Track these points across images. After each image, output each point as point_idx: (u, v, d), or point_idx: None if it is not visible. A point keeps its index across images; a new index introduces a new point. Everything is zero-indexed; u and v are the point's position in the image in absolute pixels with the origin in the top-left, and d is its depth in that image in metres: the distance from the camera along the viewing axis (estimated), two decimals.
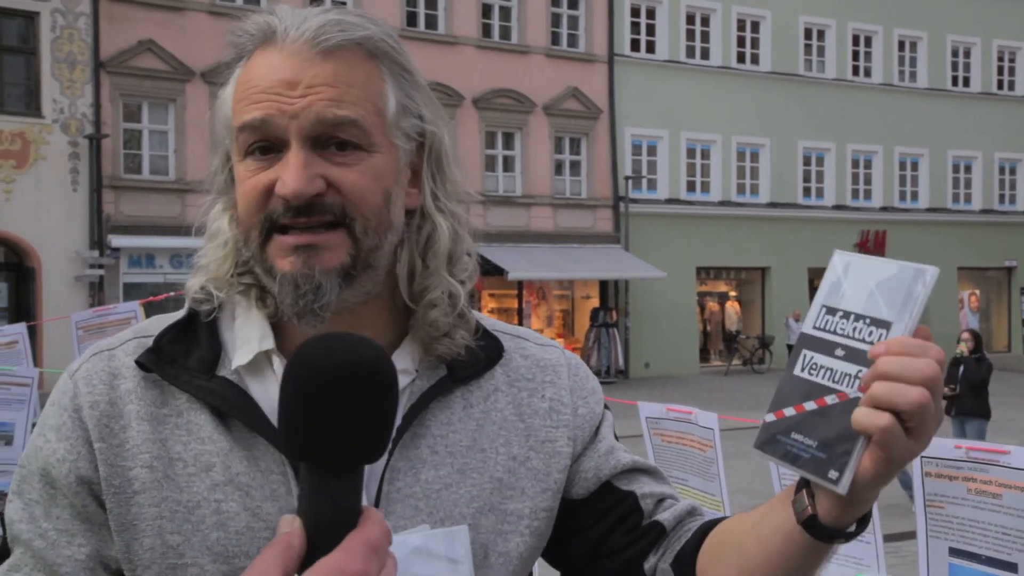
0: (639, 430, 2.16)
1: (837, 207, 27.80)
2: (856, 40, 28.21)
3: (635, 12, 25.26)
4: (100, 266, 19.07)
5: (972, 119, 29.25)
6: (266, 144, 1.05)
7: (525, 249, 22.61)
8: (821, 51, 27.73)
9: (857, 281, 1.00)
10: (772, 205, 26.77)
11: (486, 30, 23.52)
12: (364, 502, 0.82)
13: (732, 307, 27.89)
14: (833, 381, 0.97)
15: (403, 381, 1.12)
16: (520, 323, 23.18)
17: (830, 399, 0.97)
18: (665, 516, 1.18)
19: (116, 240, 19.12)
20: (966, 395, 10.46)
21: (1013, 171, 30.42)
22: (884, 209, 28.47)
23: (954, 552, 1.44)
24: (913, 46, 29.04)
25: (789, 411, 0.99)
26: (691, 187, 25.94)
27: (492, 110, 23.24)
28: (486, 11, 23.57)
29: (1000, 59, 30.18)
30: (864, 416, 0.90)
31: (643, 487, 1.21)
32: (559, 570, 1.24)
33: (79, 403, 1.08)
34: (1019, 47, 30.21)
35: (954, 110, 29.16)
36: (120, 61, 19.46)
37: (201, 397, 1.08)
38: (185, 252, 19.70)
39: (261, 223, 1.06)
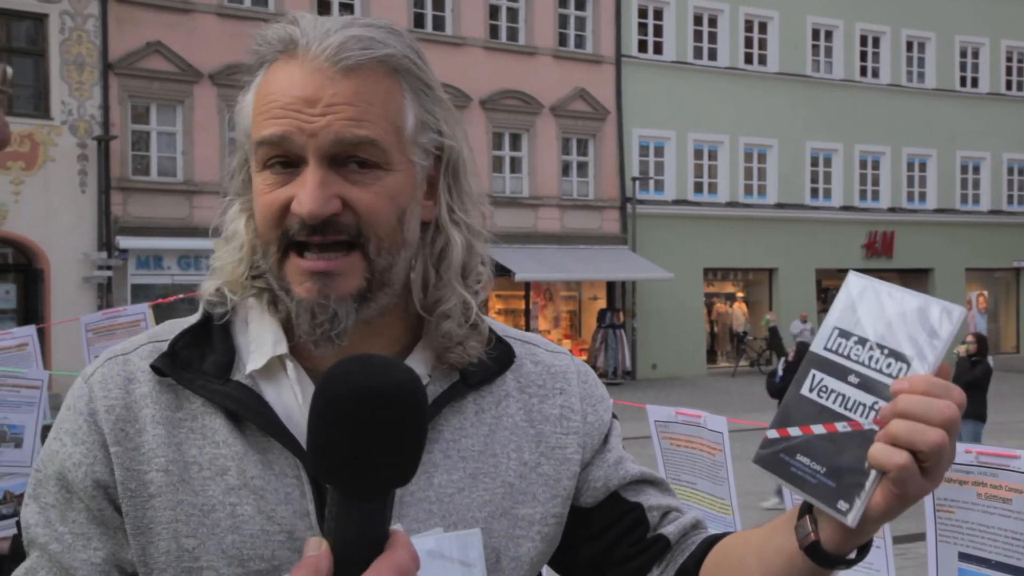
0: (646, 432, 2.16)
1: (845, 208, 27.74)
2: (864, 41, 28.15)
3: (642, 13, 25.25)
4: (108, 268, 19.12)
5: (980, 120, 29.17)
6: (284, 159, 1.05)
7: (532, 250, 22.60)
8: (829, 52, 27.68)
9: (875, 308, 0.98)
10: (779, 206, 26.72)
11: (493, 31, 23.52)
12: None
13: (739, 308, 27.85)
14: (845, 408, 0.96)
15: None
16: (527, 324, 23.19)
17: (841, 427, 0.95)
18: (670, 529, 1.20)
19: (124, 242, 19.17)
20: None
21: (1022, 172, 30.32)
22: (892, 210, 28.40)
23: (964, 557, 1.44)
24: (921, 47, 28.96)
25: (795, 431, 0.98)
26: (698, 188, 25.91)
27: (499, 111, 23.24)
28: (493, 12, 23.57)
29: (1009, 60, 30.08)
30: (882, 453, 0.90)
31: (650, 499, 1.22)
32: None
33: (95, 407, 1.09)
34: None
35: (962, 111, 29.07)
36: (128, 63, 19.51)
37: (216, 401, 1.08)
38: (193, 254, 19.76)
39: (278, 239, 1.06)
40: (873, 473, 0.92)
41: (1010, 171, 30.13)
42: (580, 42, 24.63)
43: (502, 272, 21.04)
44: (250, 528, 1.05)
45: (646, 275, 24.03)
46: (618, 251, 24.49)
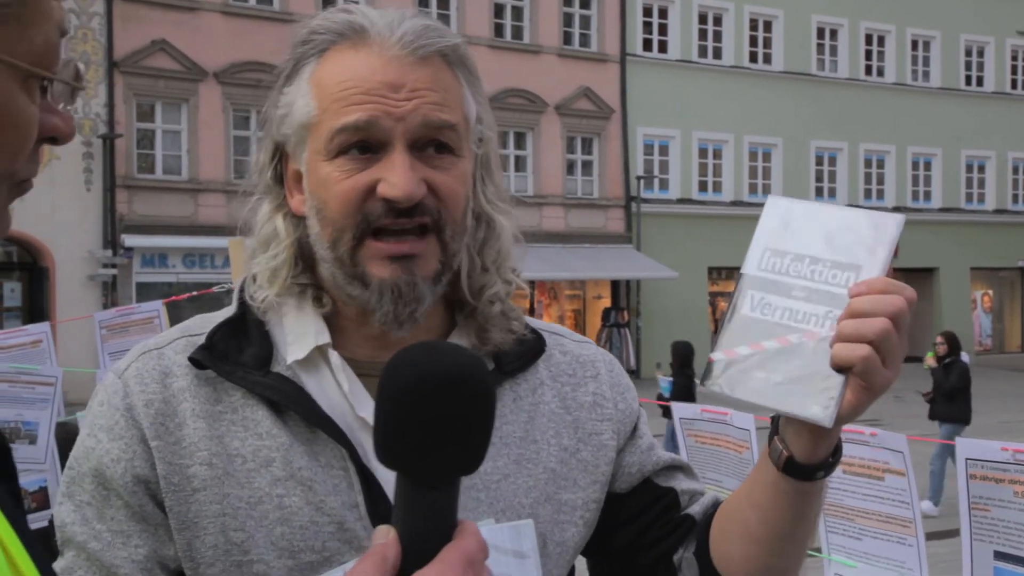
0: (658, 430, 2.15)
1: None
2: (869, 39, 28.10)
3: (647, 12, 25.22)
4: (113, 265, 19.13)
5: (985, 119, 29.11)
6: (364, 145, 1.05)
7: (536, 249, 22.58)
8: (833, 50, 27.63)
9: (809, 225, 1.02)
10: None
11: (498, 30, 23.50)
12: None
13: None
14: (795, 321, 0.99)
15: None
16: None
17: (795, 338, 0.98)
18: (695, 509, 1.23)
19: (129, 240, 19.17)
20: (939, 401, 10.35)
21: None
22: (897, 209, 28.29)
23: (999, 556, 1.43)
24: (926, 45, 28.91)
25: (743, 349, 1.00)
26: (703, 187, 25.88)
27: (504, 110, 23.21)
28: (498, 11, 23.56)
29: (1014, 58, 30.02)
30: (844, 349, 0.95)
31: (681, 483, 1.25)
32: (594, 561, 1.27)
33: (131, 402, 1.08)
34: None
35: (967, 110, 29.02)
36: (134, 61, 19.51)
37: (258, 392, 1.07)
38: (198, 252, 19.76)
39: (356, 225, 1.06)
40: (844, 375, 0.96)
41: (1015, 170, 30.07)
42: (585, 41, 24.60)
43: None
44: (299, 520, 1.04)
45: (650, 274, 24.01)
46: (622, 250, 24.47)
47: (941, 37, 28.85)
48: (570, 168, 24.47)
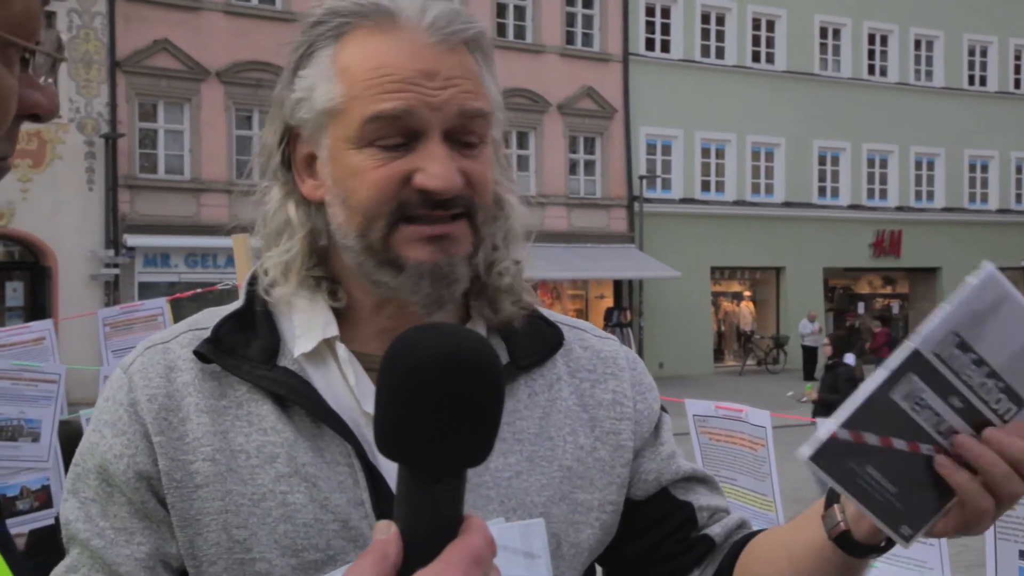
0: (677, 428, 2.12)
1: (852, 207, 27.68)
2: (872, 39, 28.08)
3: (650, 11, 25.20)
4: (115, 265, 19.13)
5: (988, 118, 29.08)
6: (399, 135, 1.03)
7: (539, 249, 22.16)
8: (837, 50, 27.62)
9: (1005, 328, 0.85)
10: (787, 205, 26.67)
11: (501, 29, 23.49)
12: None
13: (746, 307, 27.81)
14: (937, 431, 0.86)
15: None
16: None
17: (926, 449, 0.86)
18: (716, 530, 1.18)
19: (131, 239, 19.17)
20: (821, 401, 10.35)
21: None
22: (900, 209, 28.34)
23: None
24: (929, 45, 28.89)
25: (871, 439, 0.85)
26: (706, 187, 25.87)
27: (506, 109, 22.78)
28: (501, 10, 23.54)
29: (1017, 58, 30.00)
30: (976, 495, 0.88)
31: (700, 498, 1.20)
32: (607, 569, 1.23)
33: (135, 397, 1.05)
34: None
35: (970, 109, 29.00)
36: (136, 61, 19.51)
37: (263, 386, 1.05)
38: (200, 252, 19.75)
39: (392, 213, 1.03)
40: (948, 507, 0.87)
41: (1018, 170, 30.04)
42: (587, 40, 24.59)
43: None
44: (303, 517, 1.01)
45: (653, 274, 24.00)
46: (625, 250, 24.45)
47: (944, 37, 28.83)
48: (573, 168, 24.46)
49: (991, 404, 0.86)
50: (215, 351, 1.07)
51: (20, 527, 3.23)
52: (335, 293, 1.10)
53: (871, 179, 28.14)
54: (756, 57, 26.48)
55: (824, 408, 10.09)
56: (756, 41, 26.49)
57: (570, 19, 24.41)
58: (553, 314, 1.24)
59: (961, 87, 29.14)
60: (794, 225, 26.53)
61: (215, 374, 1.07)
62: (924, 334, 0.85)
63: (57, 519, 1.15)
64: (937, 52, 28.92)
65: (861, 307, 28.97)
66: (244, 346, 1.08)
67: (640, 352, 23.98)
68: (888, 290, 30.05)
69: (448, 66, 1.03)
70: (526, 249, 1.19)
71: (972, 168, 29.47)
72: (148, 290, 18.84)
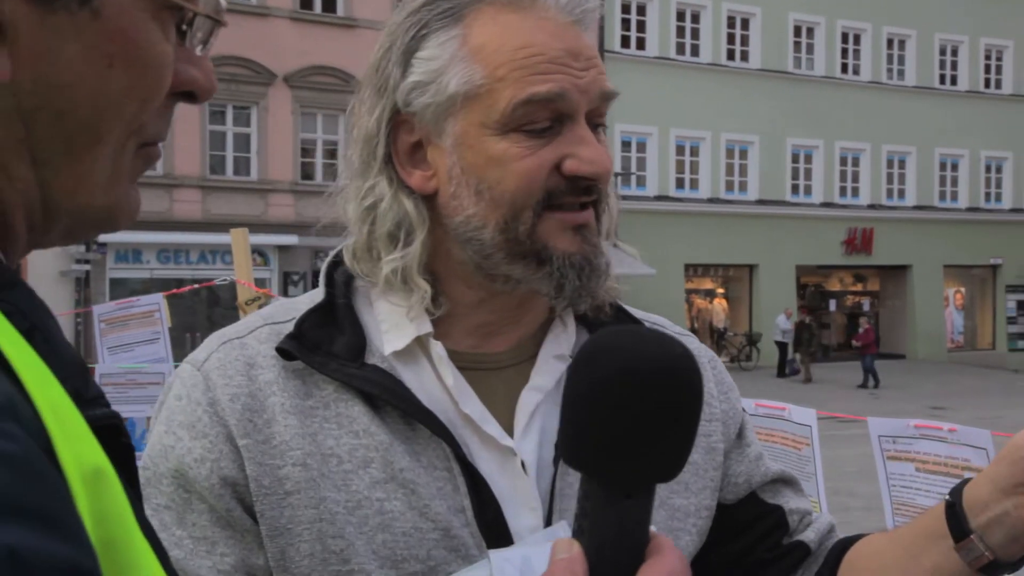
0: None
1: (825, 204, 27.86)
2: (845, 38, 28.25)
3: (625, 8, 25.23)
4: (87, 261, 18.94)
5: (959, 117, 29.34)
6: (548, 118, 0.97)
7: None
8: (810, 48, 27.76)
9: None
10: (760, 202, 26.81)
11: None
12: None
13: (719, 304, 27.94)
14: None
15: (559, 367, 1.07)
16: None
17: None
18: (809, 536, 1.14)
19: (103, 235, 18.96)
20: None
21: (999, 169, 30.55)
22: (871, 207, 28.55)
23: None
24: (901, 44, 29.10)
25: None
26: (680, 184, 25.95)
27: None
28: None
29: (987, 57, 30.27)
30: None
31: (790, 502, 1.16)
32: None
33: (214, 396, 0.97)
34: (1006, 45, 30.30)
35: (941, 108, 29.24)
36: None
37: (355, 386, 0.98)
38: (172, 248, 19.60)
39: (539, 203, 0.98)
40: None
41: (988, 169, 30.34)
42: None
43: None
44: (401, 525, 0.95)
45: (627, 270, 23.96)
46: None
47: (917, 36, 29.04)
48: None
49: None
50: (300, 347, 0.98)
51: None
52: (436, 299, 1.02)
53: (843, 177, 28.32)
54: (731, 55, 26.58)
55: None
56: (731, 39, 26.58)
57: None
58: (632, 309, 1.21)
59: (932, 86, 29.38)
60: (767, 223, 26.67)
61: (299, 372, 0.99)
62: None
63: None
64: (909, 51, 29.13)
65: (833, 304, 29.18)
66: (329, 342, 1.00)
67: None
68: (859, 287, 30.28)
69: (586, 46, 0.98)
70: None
71: (943, 167, 29.72)
72: (120, 287, 18.68)
